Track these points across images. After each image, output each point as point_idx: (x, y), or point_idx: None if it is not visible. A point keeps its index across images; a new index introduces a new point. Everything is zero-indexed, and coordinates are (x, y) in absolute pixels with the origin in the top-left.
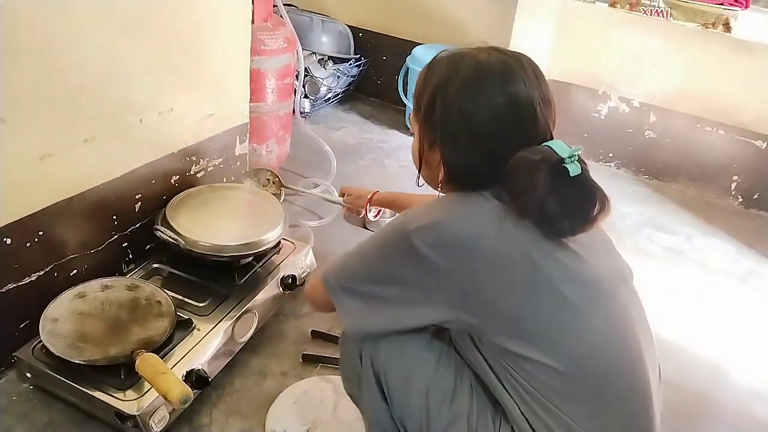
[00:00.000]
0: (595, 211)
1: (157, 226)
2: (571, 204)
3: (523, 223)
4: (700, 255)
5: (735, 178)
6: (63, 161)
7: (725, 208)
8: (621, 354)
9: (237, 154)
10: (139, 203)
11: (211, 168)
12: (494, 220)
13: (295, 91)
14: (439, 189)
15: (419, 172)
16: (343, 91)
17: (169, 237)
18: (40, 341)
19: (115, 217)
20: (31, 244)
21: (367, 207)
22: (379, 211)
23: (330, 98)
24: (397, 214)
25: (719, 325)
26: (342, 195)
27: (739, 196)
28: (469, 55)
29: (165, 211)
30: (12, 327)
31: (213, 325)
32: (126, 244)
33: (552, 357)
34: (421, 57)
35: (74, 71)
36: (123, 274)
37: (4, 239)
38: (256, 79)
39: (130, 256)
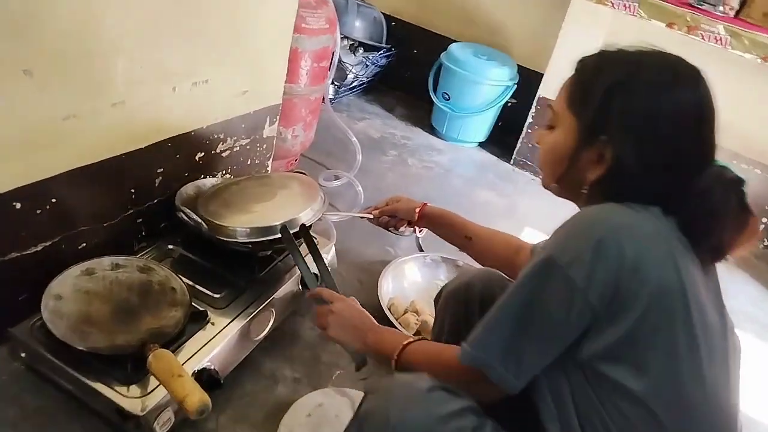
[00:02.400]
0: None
1: (180, 206)
2: (739, 230)
3: (688, 247)
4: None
5: (764, 220)
6: (88, 125)
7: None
8: (723, 415)
9: (265, 136)
10: (160, 178)
11: (238, 148)
12: (667, 240)
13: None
14: (581, 193)
15: (551, 172)
16: (368, 81)
17: (192, 219)
18: (41, 319)
19: (133, 191)
20: (42, 211)
21: (416, 216)
22: (422, 229)
23: (355, 86)
24: (413, 231)
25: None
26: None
27: (765, 239)
28: (653, 53)
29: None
30: (10, 299)
31: (229, 321)
32: (141, 220)
33: (659, 402)
34: (457, 54)
35: (111, 28)
36: (133, 253)
37: (14, 203)
38: (292, 59)
39: (143, 233)
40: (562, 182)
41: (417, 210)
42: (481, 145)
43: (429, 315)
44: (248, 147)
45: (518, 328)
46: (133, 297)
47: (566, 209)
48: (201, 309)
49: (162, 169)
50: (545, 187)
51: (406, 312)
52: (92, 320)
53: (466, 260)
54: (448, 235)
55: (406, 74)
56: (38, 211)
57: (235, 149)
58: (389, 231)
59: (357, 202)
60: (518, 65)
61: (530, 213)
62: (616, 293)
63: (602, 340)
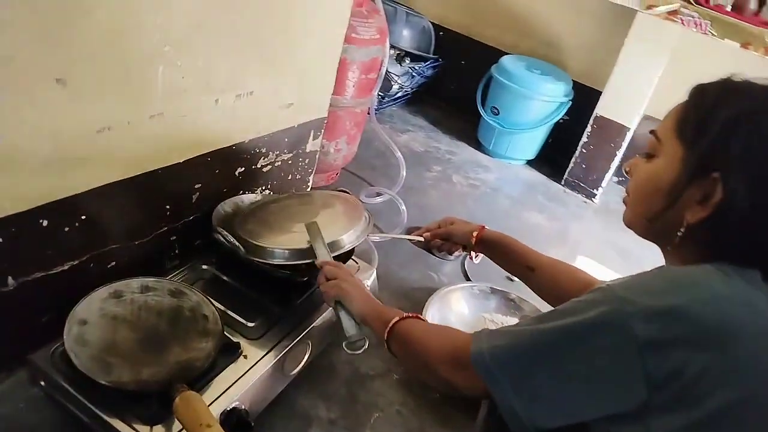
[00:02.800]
0: None
1: (217, 227)
2: None
3: None
4: None
5: None
6: (123, 137)
7: None
8: None
9: (308, 150)
10: (197, 194)
11: (279, 163)
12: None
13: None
14: (673, 237)
15: (644, 208)
16: (413, 91)
17: (229, 242)
18: (62, 346)
19: (168, 207)
20: (71, 228)
21: (473, 240)
22: (478, 255)
23: (399, 97)
24: (468, 256)
25: None
26: (424, 235)
27: None
28: None
29: (221, 208)
30: (32, 320)
31: (263, 353)
32: (174, 237)
33: None
34: (509, 67)
35: (152, 33)
36: (165, 272)
37: (40, 220)
38: (340, 70)
39: (176, 251)
40: (655, 221)
41: (474, 234)
42: (530, 163)
43: None
44: (290, 162)
45: (548, 357)
46: (163, 324)
47: (625, 239)
48: (234, 340)
49: (200, 185)
50: (628, 224)
51: None
52: (117, 349)
53: (519, 292)
54: (507, 263)
55: (452, 86)
56: (66, 229)
57: (276, 164)
58: (438, 256)
59: (400, 221)
60: (573, 81)
61: (583, 240)
62: (687, 371)
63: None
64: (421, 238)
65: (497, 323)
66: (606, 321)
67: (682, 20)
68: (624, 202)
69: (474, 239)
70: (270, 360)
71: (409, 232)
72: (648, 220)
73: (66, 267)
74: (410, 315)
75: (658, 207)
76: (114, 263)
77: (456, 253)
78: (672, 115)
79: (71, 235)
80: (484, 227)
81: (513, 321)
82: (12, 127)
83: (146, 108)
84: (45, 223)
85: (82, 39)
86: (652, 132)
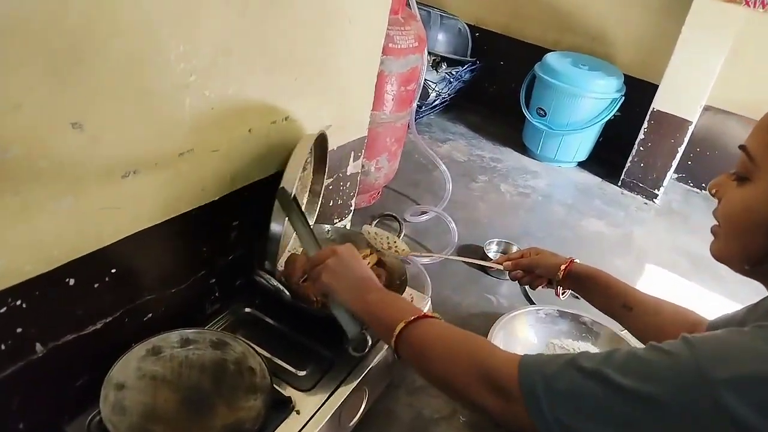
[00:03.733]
0: None
1: (258, 271)
2: None
3: None
4: None
5: None
6: (151, 180)
7: None
8: None
9: (349, 173)
10: (236, 232)
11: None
12: None
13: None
14: None
15: (741, 243)
16: (450, 98)
17: (272, 285)
18: (99, 415)
19: (205, 249)
20: (101, 284)
21: (560, 274)
22: (566, 292)
23: (436, 105)
24: (555, 293)
25: None
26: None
27: None
28: None
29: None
30: (66, 385)
31: (317, 407)
32: (214, 280)
33: None
34: (553, 65)
35: (176, 63)
36: (205, 318)
37: (67, 279)
38: (378, 84)
39: (217, 294)
40: (757, 263)
41: (563, 267)
42: (581, 165)
43: None
44: (331, 187)
45: (620, 428)
46: (206, 381)
47: (695, 243)
48: (284, 394)
49: (237, 222)
50: (720, 259)
51: None
52: (159, 415)
53: (590, 313)
54: (600, 300)
55: (492, 89)
56: (96, 285)
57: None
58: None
59: (450, 240)
60: (624, 75)
61: (650, 246)
62: None
63: None
64: (500, 266)
65: (568, 350)
66: (687, 386)
67: (746, 0)
68: (712, 232)
69: (562, 273)
70: (325, 413)
71: (460, 252)
72: (748, 260)
73: (99, 326)
74: (420, 314)
75: (760, 247)
76: (150, 315)
77: (539, 288)
78: (766, 126)
79: (102, 291)
80: (573, 260)
81: (586, 347)
82: (27, 184)
83: (174, 145)
84: (72, 281)
85: (97, 76)
86: (741, 148)
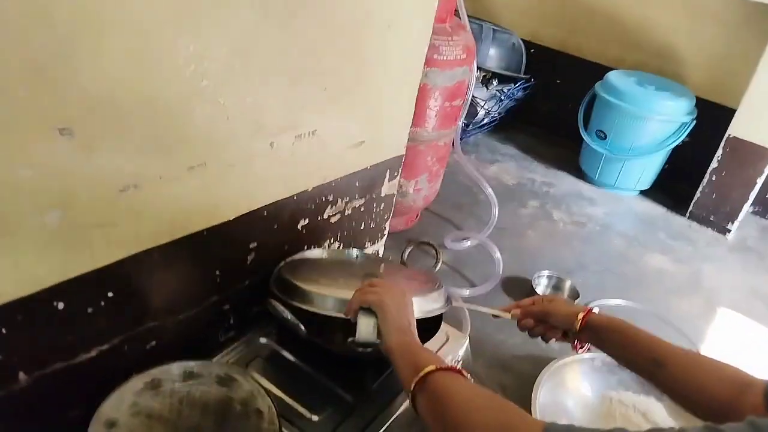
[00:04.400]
0: None
1: (271, 300)
2: None
3: None
4: None
5: None
6: (155, 195)
7: None
8: None
9: (383, 194)
10: (253, 255)
11: (350, 211)
12: None
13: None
14: None
15: None
16: (500, 117)
17: (287, 319)
18: None
19: (218, 273)
20: (95, 308)
21: (578, 325)
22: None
23: (485, 124)
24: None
25: None
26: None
27: None
28: None
29: (281, 272)
30: (56, 418)
31: None
32: (227, 307)
33: None
34: (616, 84)
35: (185, 65)
36: (218, 346)
37: (55, 303)
38: (420, 98)
39: (231, 321)
40: None
41: (580, 317)
42: (644, 193)
43: None
44: (362, 209)
45: None
46: (208, 423)
47: None
48: None
49: (255, 244)
50: None
51: None
52: None
53: None
54: (626, 356)
55: (547, 108)
56: (90, 310)
57: (346, 213)
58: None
59: (494, 271)
60: (696, 97)
61: (721, 287)
62: None
63: None
64: (508, 315)
65: (627, 405)
66: None
67: None
68: None
69: (579, 324)
70: None
71: (505, 285)
72: None
73: (93, 353)
74: (450, 366)
75: None
76: (154, 343)
77: (552, 342)
78: None
79: (97, 316)
80: (590, 309)
81: (648, 403)
82: (6, 194)
83: (183, 158)
84: (60, 305)
85: (88, 76)
86: None
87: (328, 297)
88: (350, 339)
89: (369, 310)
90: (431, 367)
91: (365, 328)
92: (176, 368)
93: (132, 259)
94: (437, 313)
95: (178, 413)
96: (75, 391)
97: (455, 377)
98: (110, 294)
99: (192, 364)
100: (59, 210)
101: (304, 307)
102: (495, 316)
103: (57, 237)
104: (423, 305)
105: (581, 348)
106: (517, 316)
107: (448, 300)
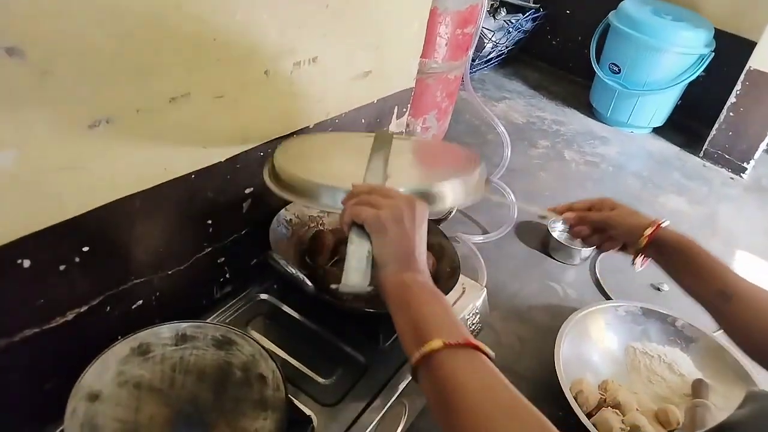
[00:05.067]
0: None
1: (272, 254)
2: None
3: None
4: None
5: None
6: (130, 132)
7: None
8: None
9: (390, 132)
10: (249, 201)
11: None
12: None
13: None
14: None
15: None
16: (508, 50)
17: (290, 273)
18: None
19: (210, 222)
20: (69, 265)
21: (644, 240)
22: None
23: (492, 58)
24: (633, 261)
25: None
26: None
27: None
28: None
29: (282, 218)
30: (29, 390)
31: (344, 428)
32: (222, 259)
33: None
34: (632, 13)
35: None
36: (213, 304)
37: (18, 260)
38: (429, 24)
39: (227, 275)
40: None
41: (648, 232)
42: (656, 131)
43: (638, 410)
44: None
45: None
46: (204, 392)
47: None
48: (303, 411)
49: (251, 189)
50: None
51: (603, 404)
52: None
53: (682, 314)
54: (691, 281)
55: (556, 41)
56: (62, 267)
57: None
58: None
59: (508, 215)
60: (715, 28)
61: (739, 228)
62: None
63: None
64: (559, 217)
65: (652, 356)
66: None
67: None
68: None
69: (646, 239)
70: None
71: (519, 229)
72: None
73: (70, 317)
74: (465, 341)
75: None
76: (141, 303)
77: (611, 252)
78: None
79: (71, 274)
80: (660, 224)
81: (674, 354)
82: None
83: (163, 87)
84: (26, 263)
85: None
86: None
87: (327, 188)
88: (333, 285)
89: (363, 231)
90: (438, 343)
91: (355, 263)
92: (167, 330)
93: (108, 208)
94: (479, 198)
95: (171, 382)
96: (51, 360)
97: (471, 361)
98: (85, 249)
99: (184, 326)
100: (14, 149)
101: (298, 200)
102: (542, 216)
103: (14, 183)
104: (468, 186)
105: (643, 263)
106: (571, 221)
107: (487, 182)
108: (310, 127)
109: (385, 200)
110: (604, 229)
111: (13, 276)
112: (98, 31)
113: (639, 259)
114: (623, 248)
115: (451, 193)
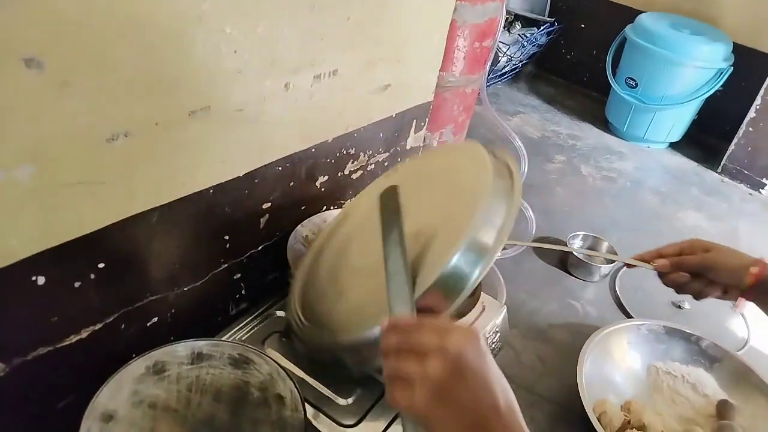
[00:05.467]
0: None
1: (292, 271)
2: None
3: None
4: None
5: None
6: (149, 146)
7: None
8: None
9: (408, 147)
10: (267, 216)
11: (372, 166)
12: None
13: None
14: None
15: None
16: (522, 64)
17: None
18: None
19: (227, 238)
20: (84, 283)
21: (748, 281)
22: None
23: (506, 72)
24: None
25: None
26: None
27: None
28: None
29: (299, 234)
30: (43, 409)
31: None
32: (239, 275)
33: None
34: (649, 27)
35: None
36: (229, 320)
37: (33, 278)
38: (448, 37)
39: (243, 291)
40: None
41: (755, 272)
42: (673, 146)
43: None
44: (386, 164)
45: None
46: (221, 412)
47: None
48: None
49: (269, 204)
50: None
51: (627, 425)
52: None
53: (706, 334)
54: None
55: (571, 55)
56: (77, 284)
57: (369, 168)
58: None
59: (526, 231)
60: (733, 42)
61: (760, 244)
62: None
63: None
64: (649, 266)
65: (675, 376)
66: None
67: None
68: None
69: (753, 279)
70: None
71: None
72: None
73: (84, 335)
74: None
75: None
76: (156, 320)
77: (712, 298)
78: None
79: (86, 291)
80: (764, 260)
81: (698, 374)
82: None
83: (182, 100)
84: (41, 280)
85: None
86: None
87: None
88: None
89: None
90: None
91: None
92: (182, 349)
93: (126, 223)
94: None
95: (187, 402)
96: (64, 379)
97: None
98: (101, 265)
99: (200, 344)
100: (31, 164)
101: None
102: (629, 265)
103: (31, 198)
104: (510, 210)
105: (742, 305)
106: (665, 268)
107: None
108: (329, 141)
109: (413, 369)
110: (702, 273)
111: (27, 293)
112: (119, 42)
113: (739, 301)
114: (726, 293)
115: (498, 244)
